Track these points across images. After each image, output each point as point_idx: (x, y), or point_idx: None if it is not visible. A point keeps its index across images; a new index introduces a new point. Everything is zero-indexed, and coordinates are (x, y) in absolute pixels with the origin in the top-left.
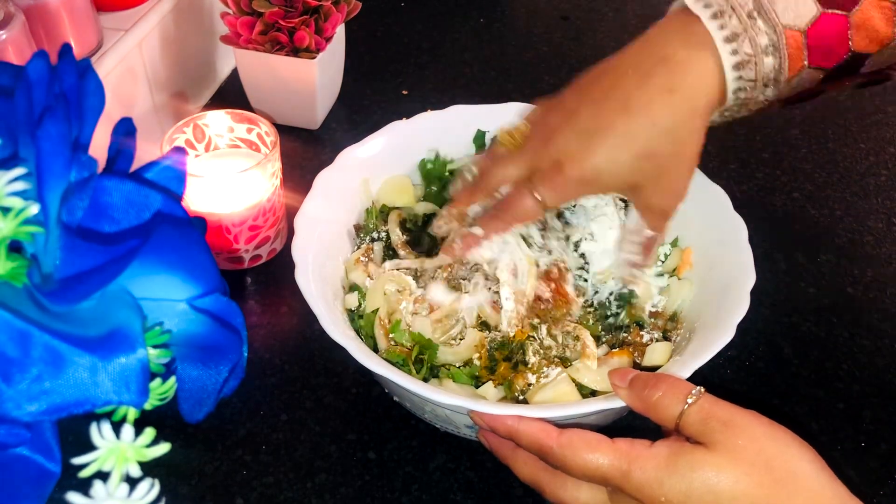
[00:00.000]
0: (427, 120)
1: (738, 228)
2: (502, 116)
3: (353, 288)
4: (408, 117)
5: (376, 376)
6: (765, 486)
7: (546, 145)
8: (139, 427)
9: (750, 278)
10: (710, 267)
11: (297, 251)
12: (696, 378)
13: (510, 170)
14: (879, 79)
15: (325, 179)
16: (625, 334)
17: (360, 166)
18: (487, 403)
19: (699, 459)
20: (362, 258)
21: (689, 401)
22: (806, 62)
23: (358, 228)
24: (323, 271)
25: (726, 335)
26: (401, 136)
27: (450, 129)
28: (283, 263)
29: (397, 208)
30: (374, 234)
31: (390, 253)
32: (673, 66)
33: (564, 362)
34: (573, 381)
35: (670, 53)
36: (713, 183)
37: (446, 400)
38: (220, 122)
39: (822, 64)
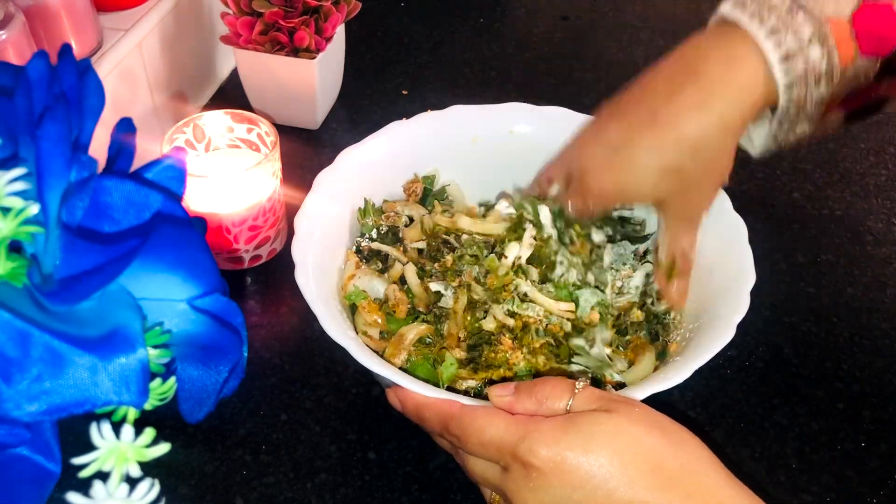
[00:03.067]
0: (427, 120)
1: (738, 228)
2: (502, 116)
3: (353, 307)
4: (408, 117)
5: (376, 376)
6: (664, 445)
7: (576, 157)
8: (139, 427)
9: (750, 278)
10: (710, 267)
11: (297, 251)
12: (696, 378)
13: (550, 176)
14: None
15: (324, 179)
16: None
17: (360, 166)
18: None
19: (599, 417)
20: (357, 272)
21: (578, 387)
22: (857, 51)
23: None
24: (323, 271)
25: (726, 335)
26: (401, 136)
27: (449, 130)
28: (283, 263)
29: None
30: (364, 237)
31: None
32: (704, 81)
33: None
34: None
35: (702, 69)
36: None
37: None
38: (219, 122)
39: (876, 51)
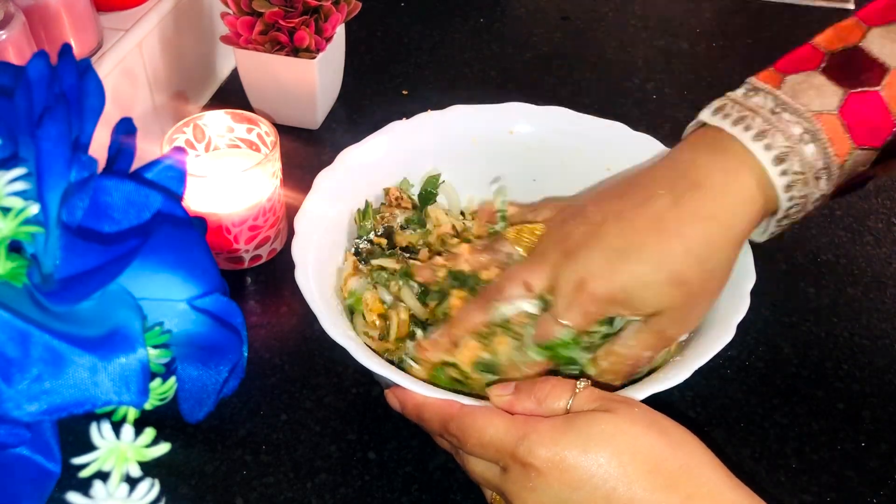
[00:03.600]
0: (427, 120)
1: None
2: (502, 116)
3: (351, 307)
4: (408, 117)
5: (376, 376)
6: (663, 445)
7: (569, 261)
8: (139, 427)
9: (750, 278)
10: None
11: (297, 251)
12: (696, 378)
13: (528, 282)
14: None
15: (325, 179)
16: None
17: (360, 166)
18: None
19: (598, 417)
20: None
21: (579, 387)
22: (852, 143)
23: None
24: (323, 271)
25: (726, 335)
26: (401, 136)
27: (450, 130)
28: (283, 263)
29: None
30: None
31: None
32: (707, 191)
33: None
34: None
35: (703, 178)
36: None
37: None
38: (219, 122)
39: (871, 143)
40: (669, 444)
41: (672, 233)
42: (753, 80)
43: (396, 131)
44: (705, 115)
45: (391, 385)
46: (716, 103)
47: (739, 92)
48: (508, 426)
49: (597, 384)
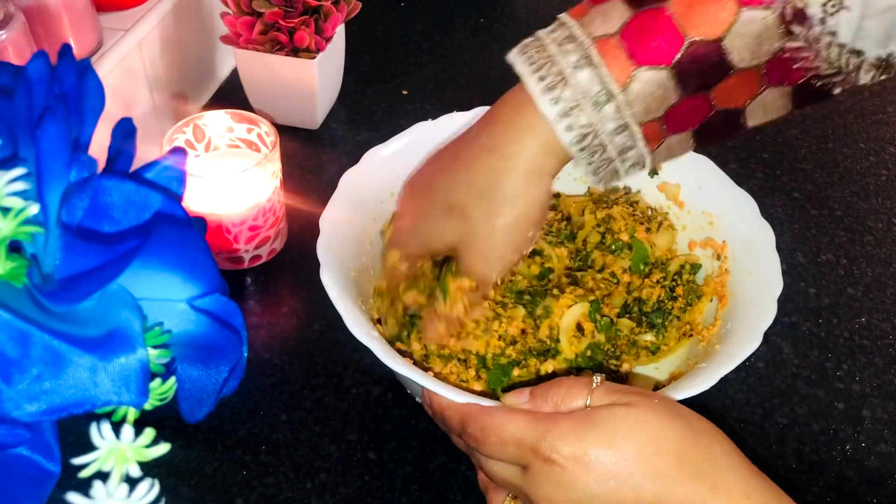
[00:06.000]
0: (452, 121)
1: (765, 235)
2: None
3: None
4: (408, 117)
5: (398, 376)
6: (687, 436)
7: (398, 206)
8: (139, 427)
9: (777, 286)
10: (737, 274)
11: (322, 250)
12: None
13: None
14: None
15: (349, 179)
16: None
17: (385, 166)
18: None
19: (620, 411)
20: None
21: (596, 381)
22: (633, 63)
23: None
24: (346, 271)
25: (753, 342)
26: (426, 136)
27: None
28: (283, 263)
29: None
30: None
31: None
32: (497, 125)
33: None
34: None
35: (497, 114)
36: (740, 188)
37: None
38: (219, 122)
39: (657, 61)
40: (693, 435)
41: (460, 166)
42: (561, 16)
43: (421, 132)
44: (513, 56)
45: (406, 380)
46: (527, 41)
47: (547, 29)
48: (529, 423)
49: (611, 378)
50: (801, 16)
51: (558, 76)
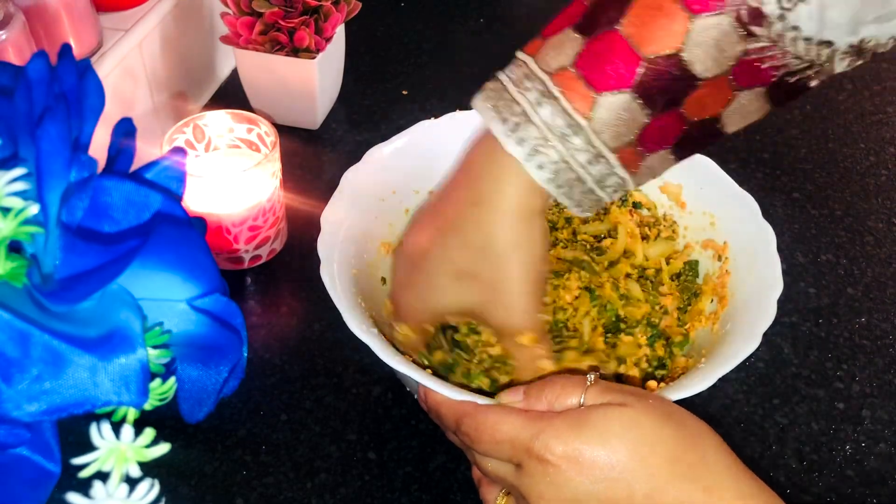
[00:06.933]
0: (455, 120)
1: (766, 236)
2: None
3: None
4: (409, 117)
5: (398, 374)
6: (681, 437)
7: (392, 297)
8: (139, 427)
9: (777, 287)
10: (738, 274)
11: (323, 248)
12: None
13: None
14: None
15: (351, 178)
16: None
17: (387, 165)
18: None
19: (614, 411)
20: None
21: (590, 380)
22: (593, 92)
23: None
24: (348, 268)
25: (752, 343)
26: (428, 135)
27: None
28: (283, 263)
29: None
30: None
31: None
32: (473, 175)
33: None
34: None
35: (471, 163)
36: (742, 189)
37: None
38: (219, 122)
39: (618, 86)
40: (687, 436)
41: (450, 227)
42: (519, 53)
43: (423, 131)
44: (476, 102)
45: (405, 377)
46: (488, 85)
47: (506, 69)
48: (523, 422)
49: (606, 377)
50: (758, 15)
51: (521, 115)
